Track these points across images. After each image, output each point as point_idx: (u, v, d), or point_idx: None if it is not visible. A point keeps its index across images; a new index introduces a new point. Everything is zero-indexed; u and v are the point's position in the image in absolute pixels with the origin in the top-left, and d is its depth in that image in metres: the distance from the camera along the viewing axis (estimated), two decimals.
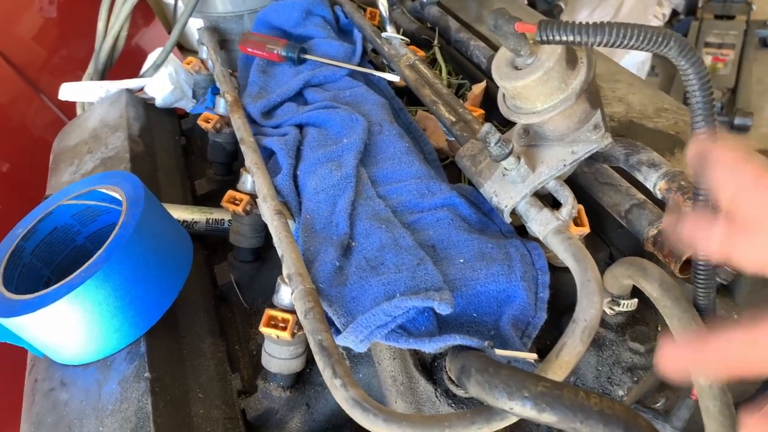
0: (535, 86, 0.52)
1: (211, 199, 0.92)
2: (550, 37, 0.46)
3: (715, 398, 0.51)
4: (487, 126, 0.54)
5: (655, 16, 2.90)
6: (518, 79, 0.52)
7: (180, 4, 2.08)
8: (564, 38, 0.45)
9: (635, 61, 2.93)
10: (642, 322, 0.64)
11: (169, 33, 2.18)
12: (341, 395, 0.47)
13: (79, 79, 1.20)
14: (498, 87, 0.83)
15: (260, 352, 0.70)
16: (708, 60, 3.12)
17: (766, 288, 0.65)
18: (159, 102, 1.05)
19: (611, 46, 0.45)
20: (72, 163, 0.94)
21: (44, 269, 0.69)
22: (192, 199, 0.92)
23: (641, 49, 0.45)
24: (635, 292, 0.61)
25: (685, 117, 0.75)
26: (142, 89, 1.07)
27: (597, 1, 1.98)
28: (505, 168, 0.58)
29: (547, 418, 0.43)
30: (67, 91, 1.06)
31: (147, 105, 1.06)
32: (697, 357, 0.31)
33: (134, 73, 1.16)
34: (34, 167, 1.60)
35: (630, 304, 0.62)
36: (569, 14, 2.02)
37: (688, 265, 0.57)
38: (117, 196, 0.66)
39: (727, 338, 0.30)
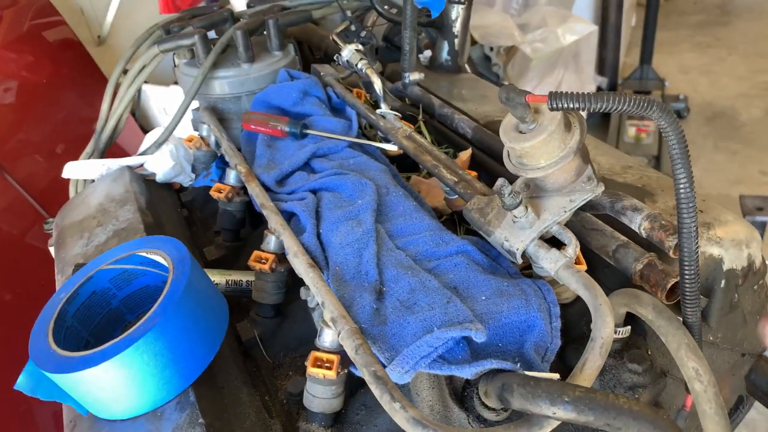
0: (540, 146, 0.63)
1: (221, 265, 0.97)
2: (559, 105, 0.57)
3: (710, 401, 0.60)
4: (501, 180, 0.64)
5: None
6: (526, 141, 0.63)
7: (145, 88, 2.15)
8: (570, 105, 0.56)
9: None
10: (634, 347, 0.73)
11: (133, 115, 2.24)
12: (402, 416, 0.53)
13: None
14: (483, 153, 0.94)
15: (290, 400, 0.75)
16: (632, 131, 3.41)
17: (732, 313, 0.76)
18: (160, 177, 1.11)
19: (609, 111, 0.56)
20: (81, 237, 0.98)
21: (84, 331, 0.73)
22: (203, 265, 0.97)
23: (631, 113, 0.56)
24: (626, 321, 0.71)
25: (647, 173, 0.88)
26: (141, 165, 1.13)
27: (537, 79, 2.19)
28: (515, 216, 0.67)
29: (586, 418, 0.51)
30: (71, 170, 1.10)
31: (147, 181, 1.12)
32: None
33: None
34: None
35: (625, 331, 0.71)
36: None
37: (671, 293, 0.68)
38: (159, 258, 0.72)
39: None
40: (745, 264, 0.76)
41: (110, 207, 1.02)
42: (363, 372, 0.58)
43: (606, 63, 3.74)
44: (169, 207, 1.08)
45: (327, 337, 0.66)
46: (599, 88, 3.69)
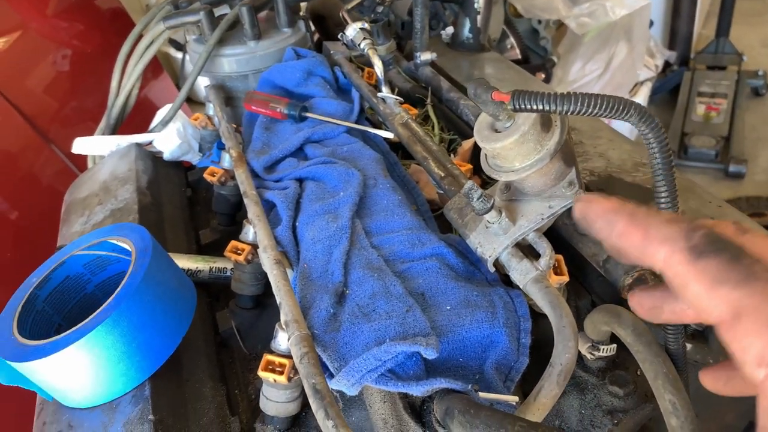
0: (512, 147, 0.57)
1: (215, 249, 0.96)
2: (523, 106, 0.51)
3: None
4: (469, 183, 0.59)
5: (647, 66, 2.99)
6: (497, 141, 0.57)
7: (188, 59, 2.18)
8: (535, 107, 0.50)
9: None
10: (622, 367, 0.67)
11: (177, 86, 2.26)
12: None
13: (88, 130, 1.26)
14: None
15: (258, 396, 0.73)
16: (702, 109, 3.19)
17: None
18: (167, 155, 1.10)
19: (578, 114, 0.50)
20: (83, 214, 0.99)
21: (56, 316, 0.73)
22: (197, 248, 0.96)
23: (605, 117, 0.50)
24: (615, 337, 0.65)
25: None
26: (150, 143, 1.13)
27: (588, 54, 2.06)
28: (488, 221, 0.62)
29: None
30: (80, 145, 1.11)
31: (155, 158, 1.12)
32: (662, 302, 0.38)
33: (141, 124, 1.22)
34: (43, 215, 1.66)
35: (609, 349, 0.65)
36: (562, 67, 2.09)
37: None
38: (126, 246, 0.71)
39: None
40: None
41: (112, 185, 1.02)
42: (303, 382, 0.55)
43: (678, 35, 3.50)
44: (173, 186, 1.08)
45: (281, 341, 0.63)
46: (667, 63, 3.47)
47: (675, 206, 0.51)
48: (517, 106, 0.51)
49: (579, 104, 0.49)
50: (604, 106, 0.48)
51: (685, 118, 3.14)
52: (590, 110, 0.49)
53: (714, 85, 3.33)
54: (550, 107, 0.49)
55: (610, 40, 1.99)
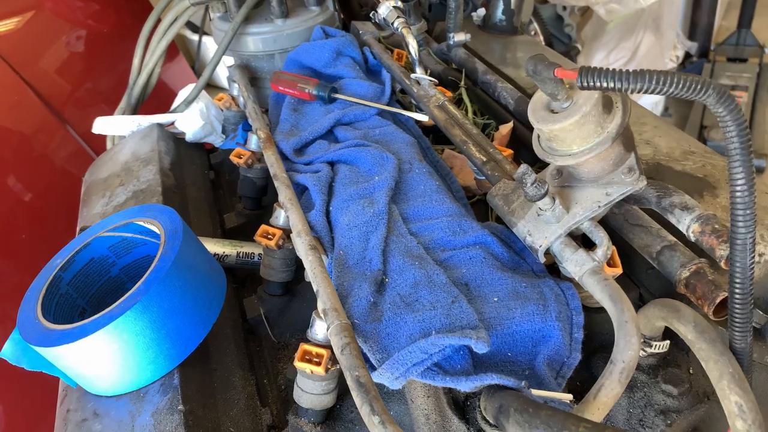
0: (571, 129, 0.54)
1: (240, 233, 0.93)
2: (591, 84, 0.47)
3: None
4: (523, 167, 0.55)
5: (669, 58, 2.93)
6: (555, 123, 0.54)
7: (205, 41, 2.14)
8: (604, 84, 0.47)
9: (648, 102, 2.96)
10: (674, 365, 0.64)
11: (193, 69, 2.21)
12: None
13: (103, 112, 1.23)
14: (526, 127, 0.85)
15: (288, 387, 0.70)
16: None
17: None
18: (189, 137, 1.07)
19: (650, 93, 0.46)
20: (104, 195, 0.96)
21: (80, 299, 0.70)
22: (221, 232, 0.93)
23: (679, 96, 0.46)
24: (666, 334, 0.62)
25: (712, 160, 0.76)
26: (172, 124, 1.09)
27: (613, 43, 2.01)
28: (539, 208, 0.59)
29: None
30: (101, 125, 1.08)
31: (177, 139, 1.09)
32: None
33: (158, 107, 1.19)
34: (57, 196, 1.63)
35: (662, 346, 0.62)
36: (585, 56, 2.05)
37: (721, 307, 0.58)
38: (155, 229, 0.68)
39: None
40: None
41: (134, 166, 0.99)
42: (346, 375, 0.52)
43: (698, 26, 3.43)
44: (196, 168, 1.05)
45: (319, 330, 0.60)
46: (688, 54, 3.40)
47: (752, 193, 0.48)
48: (585, 84, 0.47)
49: (653, 82, 0.45)
50: (679, 85, 0.45)
51: (705, 111, 3.07)
52: (664, 89, 0.45)
53: (734, 78, 3.26)
54: (621, 85, 0.46)
55: (636, 28, 1.94)
